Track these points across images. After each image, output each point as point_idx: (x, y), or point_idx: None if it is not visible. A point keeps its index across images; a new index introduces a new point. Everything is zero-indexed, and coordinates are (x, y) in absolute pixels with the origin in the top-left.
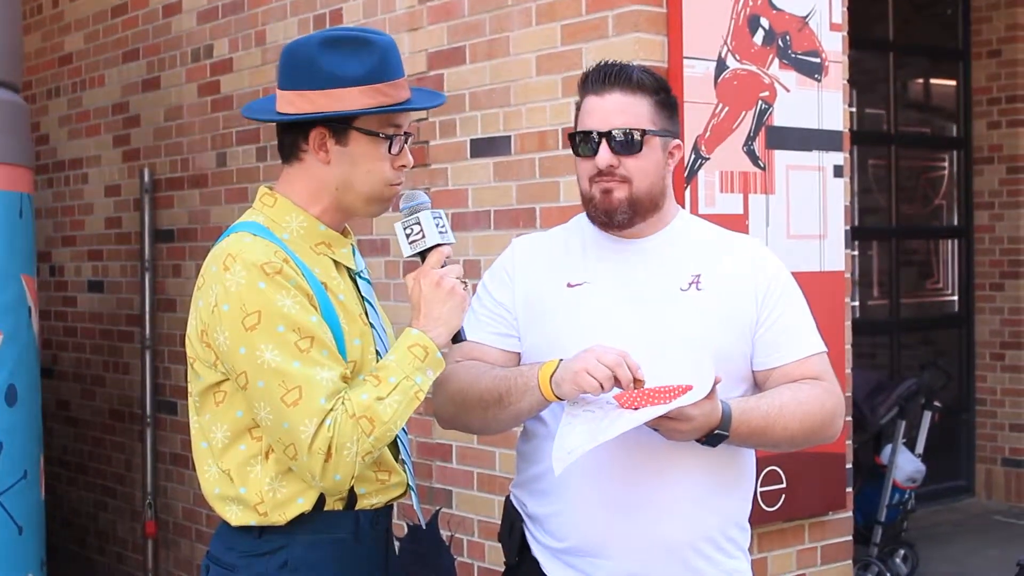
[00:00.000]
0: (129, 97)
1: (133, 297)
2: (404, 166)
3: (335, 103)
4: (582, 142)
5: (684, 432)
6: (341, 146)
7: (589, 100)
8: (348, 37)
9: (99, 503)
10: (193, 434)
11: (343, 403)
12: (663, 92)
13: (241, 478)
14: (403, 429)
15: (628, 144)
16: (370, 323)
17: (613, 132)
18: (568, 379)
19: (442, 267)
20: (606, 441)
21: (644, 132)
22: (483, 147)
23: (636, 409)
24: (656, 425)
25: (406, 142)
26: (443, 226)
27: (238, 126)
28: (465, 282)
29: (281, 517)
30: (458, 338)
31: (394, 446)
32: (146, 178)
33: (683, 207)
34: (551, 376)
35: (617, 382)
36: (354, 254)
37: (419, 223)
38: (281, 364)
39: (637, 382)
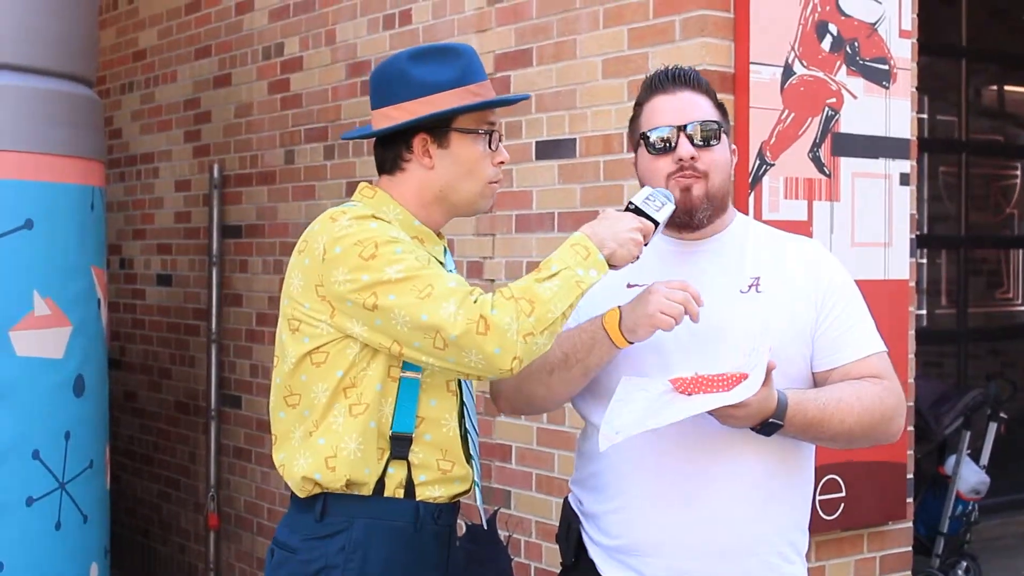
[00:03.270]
0: (200, 93)
1: (200, 291)
2: (502, 162)
3: (433, 107)
4: (657, 139)
5: (739, 419)
6: (443, 148)
7: (658, 99)
8: (433, 48)
9: (163, 494)
10: (273, 405)
11: (498, 290)
12: (716, 96)
13: (324, 430)
14: (475, 428)
15: (707, 136)
16: None
17: (690, 125)
18: (643, 323)
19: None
20: (656, 428)
21: (719, 125)
22: (548, 149)
23: (690, 395)
24: (713, 412)
25: (500, 140)
26: (659, 205)
27: (307, 124)
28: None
29: (344, 477)
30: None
31: (465, 441)
32: (215, 174)
33: (747, 212)
34: (619, 323)
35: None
36: (445, 255)
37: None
38: (408, 273)
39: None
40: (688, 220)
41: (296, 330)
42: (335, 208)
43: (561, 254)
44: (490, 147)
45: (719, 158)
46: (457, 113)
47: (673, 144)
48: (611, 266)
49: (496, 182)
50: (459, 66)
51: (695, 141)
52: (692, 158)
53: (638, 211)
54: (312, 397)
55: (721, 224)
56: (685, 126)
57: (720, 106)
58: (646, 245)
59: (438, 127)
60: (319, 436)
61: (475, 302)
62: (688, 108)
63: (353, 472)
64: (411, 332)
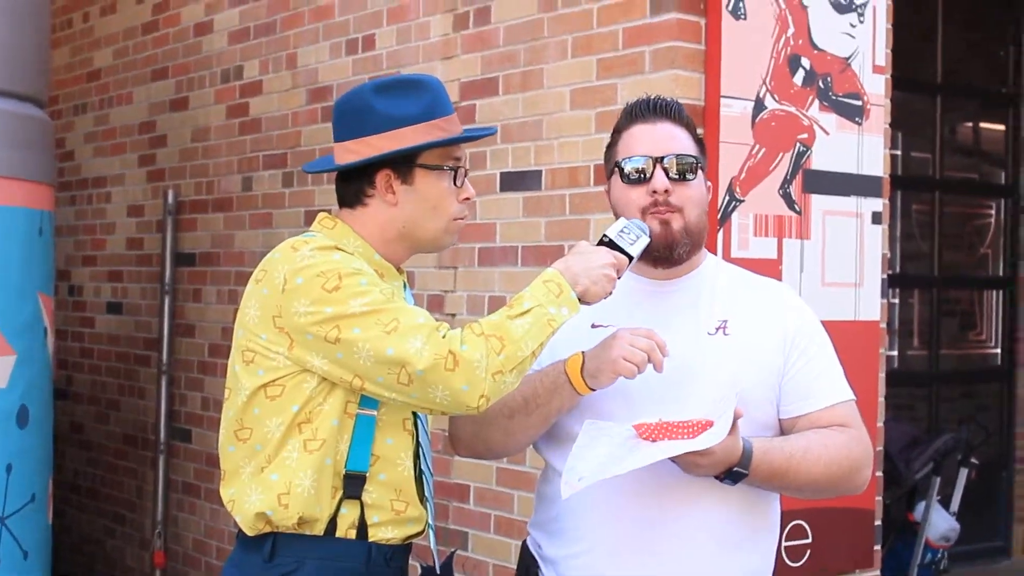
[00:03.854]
0: (156, 116)
1: (152, 320)
2: (468, 198)
3: (397, 143)
4: (632, 169)
5: (703, 467)
6: (408, 185)
7: (636, 128)
8: (399, 81)
9: (108, 530)
10: (223, 439)
11: (468, 325)
12: (695, 129)
13: (277, 466)
14: (429, 469)
15: (683, 170)
16: None
17: (667, 157)
18: (606, 369)
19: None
20: (620, 474)
21: (696, 160)
22: (513, 181)
23: (654, 441)
24: (676, 459)
25: (466, 175)
26: (633, 239)
27: (265, 150)
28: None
29: (296, 515)
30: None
31: (420, 482)
32: (170, 199)
33: (715, 250)
34: (581, 369)
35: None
36: (405, 290)
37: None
38: (373, 306)
39: (659, 426)
40: (668, 255)
41: (250, 362)
42: (296, 237)
43: (533, 291)
44: (455, 183)
45: (695, 194)
46: (422, 149)
47: (648, 175)
48: (583, 302)
49: (462, 218)
50: (426, 100)
51: (671, 174)
52: (666, 191)
53: (612, 244)
54: (265, 431)
55: (692, 264)
56: (662, 158)
57: (699, 140)
58: (619, 278)
59: (402, 163)
60: (272, 472)
61: (443, 337)
62: (666, 140)
63: (306, 509)
64: (374, 366)
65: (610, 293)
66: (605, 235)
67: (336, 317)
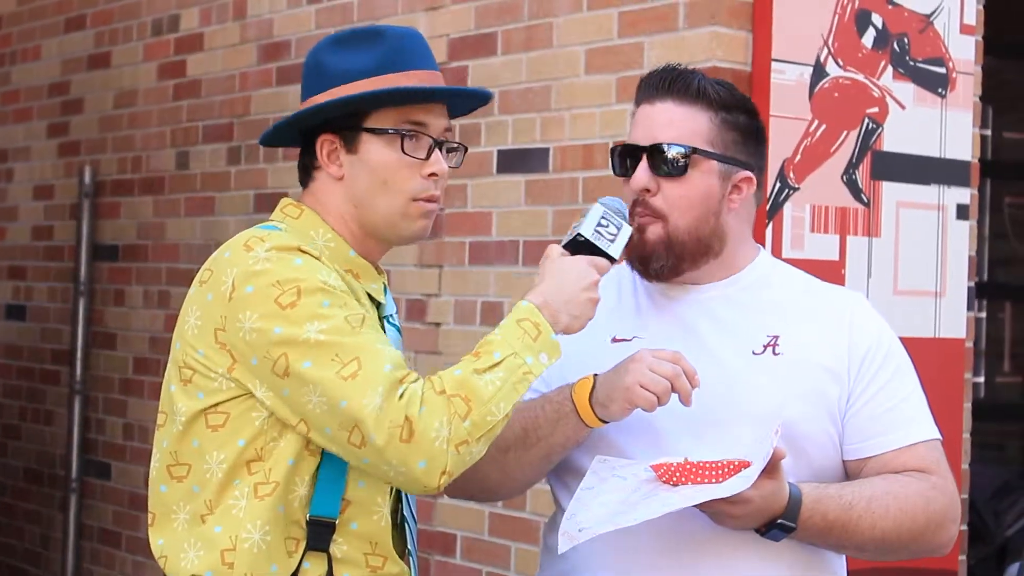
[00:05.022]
0: (70, 76)
1: (62, 328)
2: (435, 175)
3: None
4: (620, 159)
5: (738, 518)
6: (353, 154)
7: (641, 109)
8: (361, 32)
9: None
10: (154, 475)
11: (429, 380)
12: (737, 111)
13: (220, 515)
14: (413, 517)
15: (667, 165)
16: None
17: (654, 147)
18: (618, 397)
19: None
20: (629, 526)
21: (693, 151)
22: (513, 161)
23: (675, 485)
24: (703, 507)
25: (439, 147)
26: (612, 234)
27: (206, 119)
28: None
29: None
30: None
31: (400, 534)
32: (87, 179)
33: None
34: (590, 395)
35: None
36: (385, 294)
37: (589, 214)
38: (331, 338)
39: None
40: (643, 269)
41: (188, 381)
42: (252, 231)
43: (506, 333)
44: (403, 150)
45: (689, 193)
46: (354, 105)
47: (631, 170)
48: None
49: (428, 200)
50: (381, 51)
51: (657, 169)
52: (645, 190)
53: (589, 246)
54: (205, 470)
55: (726, 267)
56: (649, 147)
57: (735, 125)
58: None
59: (347, 127)
60: (215, 523)
61: (401, 398)
62: (659, 126)
63: (256, 568)
64: (324, 415)
65: (591, 318)
66: (580, 234)
67: (286, 341)
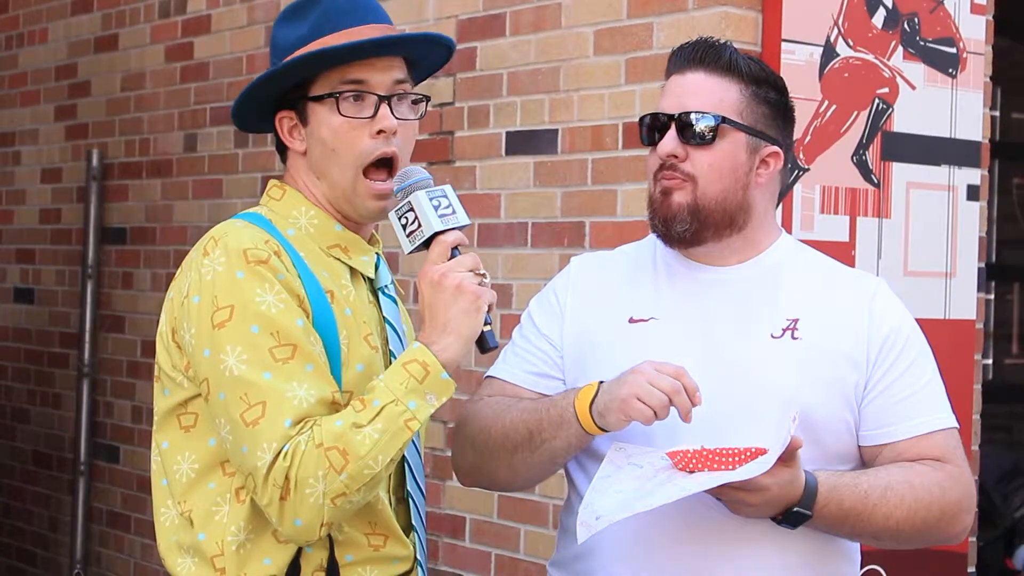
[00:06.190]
0: (78, 59)
1: (71, 311)
2: (382, 132)
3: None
4: (649, 128)
5: (754, 506)
6: (307, 126)
7: (672, 80)
8: (298, 4)
9: (14, 570)
10: (153, 470)
11: (311, 429)
12: (767, 86)
13: (203, 521)
14: (420, 490)
15: (699, 131)
16: (388, 349)
17: (683, 115)
18: (615, 408)
19: (449, 259)
20: (646, 511)
21: (722, 120)
22: (522, 143)
23: (691, 472)
24: (719, 494)
25: (386, 101)
26: (448, 206)
27: (214, 101)
28: (484, 274)
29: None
30: (484, 346)
31: (405, 509)
32: (94, 162)
33: None
34: (591, 403)
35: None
36: (378, 265)
37: (412, 208)
38: (247, 373)
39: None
40: (665, 231)
41: (158, 378)
42: (223, 225)
43: (389, 379)
44: (339, 110)
45: (718, 161)
46: (281, 77)
47: (660, 136)
48: (481, 349)
49: (378, 156)
50: (314, 16)
51: (685, 136)
52: (675, 156)
53: (436, 236)
54: (187, 470)
55: (751, 247)
56: (678, 115)
57: (765, 99)
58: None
59: (298, 100)
60: (198, 530)
61: (285, 457)
62: (690, 93)
63: (246, 568)
64: (231, 447)
65: (480, 322)
66: (436, 233)
67: (210, 366)
